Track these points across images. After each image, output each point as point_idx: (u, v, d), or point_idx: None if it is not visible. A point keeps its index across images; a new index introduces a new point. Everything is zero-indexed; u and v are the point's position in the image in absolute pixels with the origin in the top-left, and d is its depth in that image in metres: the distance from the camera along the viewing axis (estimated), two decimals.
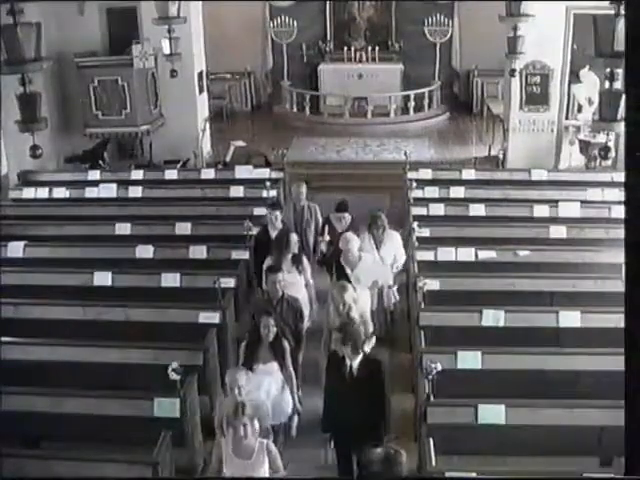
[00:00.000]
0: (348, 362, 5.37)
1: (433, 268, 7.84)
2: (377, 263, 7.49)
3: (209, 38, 13.60)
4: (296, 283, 7.08)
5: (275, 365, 5.92)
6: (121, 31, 12.73)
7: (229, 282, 7.45)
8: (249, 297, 8.14)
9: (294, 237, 7.34)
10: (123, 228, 9.04)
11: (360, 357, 5.37)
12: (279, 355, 5.93)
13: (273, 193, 10.06)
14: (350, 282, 6.72)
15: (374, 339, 6.42)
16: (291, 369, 6.04)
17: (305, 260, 7.42)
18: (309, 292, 7.29)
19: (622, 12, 5.87)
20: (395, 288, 7.82)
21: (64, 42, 11.91)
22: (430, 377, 5.45)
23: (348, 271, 7.11)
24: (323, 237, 8.00)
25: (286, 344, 5.99)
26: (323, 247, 7.95)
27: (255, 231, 8.65)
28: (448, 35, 16.74)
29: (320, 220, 8.44)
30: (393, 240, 7.83)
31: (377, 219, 7.73)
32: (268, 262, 7.15)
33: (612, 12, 6.06)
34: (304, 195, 8.56)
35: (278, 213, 7.98)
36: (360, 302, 6.46)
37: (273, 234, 7.86)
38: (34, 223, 9.39)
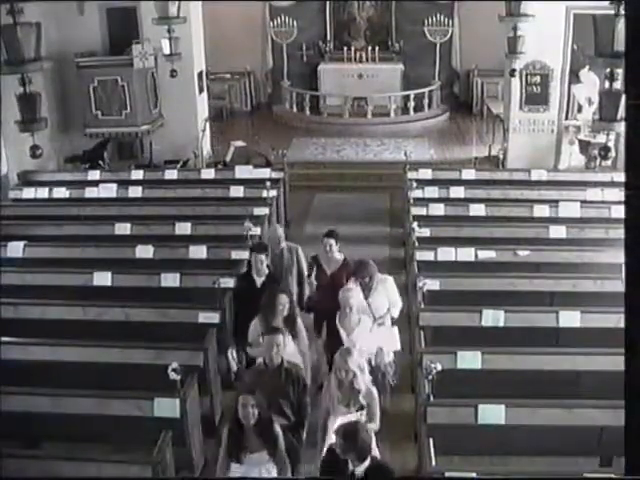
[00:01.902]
0: (351, 467, 4.42)
1: (433, 268, 7.83)
2: (377, 327, 6.34)
3: (209, 38, 13.62)
4: (291, 351, 5.83)
5: (265, 454, 4.87)
6: (121, 31, 12.73)
7: (229, 282, 7.43)
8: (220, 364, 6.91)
9: (284, 298, 6.09)
10: (123, 228, 9.04)
11: (367, 463, 4.41)
12: (269, 442, 4.86)
13: (273, 193, 10.07)
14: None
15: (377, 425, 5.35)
16: (285, 456, 4.95)
17: (300, 322, 6.28)
18: (304, 360, 6.07)
19: (622, 12, 5.89)
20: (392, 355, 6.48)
21: (64, 42, 11.92)
22: (430, 377, 5.44)
23: (343, 335, 6.01)
24: (310, 279, 7.08)
25: (278, 429, 4.93)
26: (308, 291, 7.08)
27: (255, 231, 8.64)
28: (448, 35, 16.74)
29: (303, 263, 7.33)
30: (386, 286, 6.61)
31: (364, 267, 6.50)
32: (255, 326, 6.07)
33: (612, 12, 6.07)
34: (282, 236, 7.38)
35: (263, 257, 6.77)
36: (366, 371, 5.50)
37: (258, 282, 6.72)
38: (34, 223, 9.39)
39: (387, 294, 6.58)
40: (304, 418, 5.41)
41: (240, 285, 7.00)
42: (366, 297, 6.41)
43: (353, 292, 6.12)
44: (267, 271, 6.78)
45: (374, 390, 5.36)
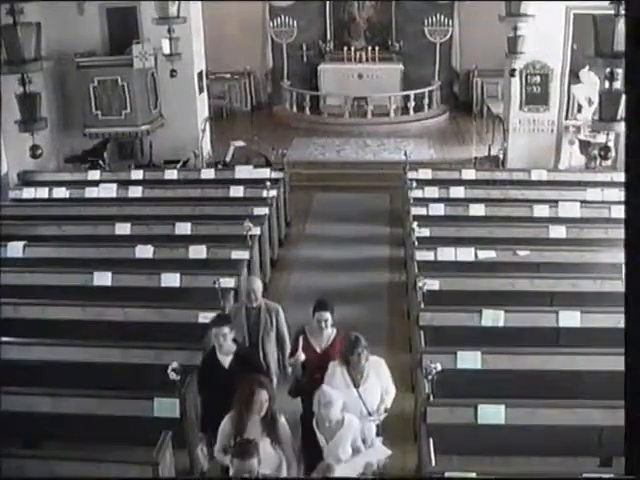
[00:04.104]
0: None
1: (433, 268, 7.83)
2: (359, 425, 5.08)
3: (209, 38, 13.62)
4: (269, 459, 4.66)
5: None
6: (121, 31, 12.74)
7: (229, 282, 7.43)
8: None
9: (263, 395, 4.76)
10: (123, 228, 9.04)
11: None
12: None
13: (273, 193, 10.07)
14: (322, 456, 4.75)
15: None
16: None
17: (282, 423, 4.89)
18: (289, 472, 4.89)
19: (622, 12, 5.89)
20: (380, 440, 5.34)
21: (64, 42, 11.91)
22: (430, 377, 5.44)
23: (322, 441, 4.90)
24: (296, 356, 5.56)
25: None
26: (296, 371, 5.66)
27: (255, 231, 8.63)
28: (448, 35, 16.76)
29: (285, 328, 6.16)
30: (379, 370, 5.42)
31: (355, 343, 5.21)
32: (226, 426, 4.87)
33: (612, 12, 6.07)
34: (259, 292, 6.10)
35: (227, 330, 5.44)
36: None
37: (226, 362, 5.49)
38: (34, 223, 9.40)
39: (380, 380, 5.41)
40: None
41: (204, 369, 5.64)
42: (357, 386, 5.26)
43: (331, 397, 4.85)
44: (234, 346, 5.52)
45: None
